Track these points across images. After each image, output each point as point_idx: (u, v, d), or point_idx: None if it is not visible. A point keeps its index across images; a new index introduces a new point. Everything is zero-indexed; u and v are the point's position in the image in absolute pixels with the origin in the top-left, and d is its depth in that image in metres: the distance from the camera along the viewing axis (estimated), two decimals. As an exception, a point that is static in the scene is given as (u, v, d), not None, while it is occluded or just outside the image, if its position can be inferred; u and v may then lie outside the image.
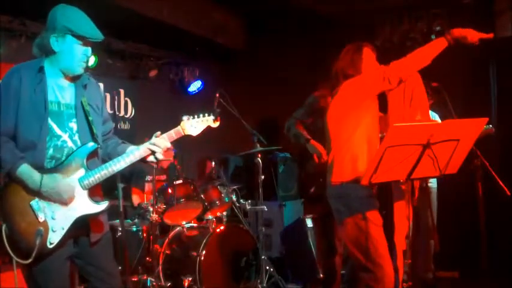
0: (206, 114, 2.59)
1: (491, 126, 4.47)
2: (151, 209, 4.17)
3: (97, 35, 2.41)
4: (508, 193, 3.39)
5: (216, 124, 2.63)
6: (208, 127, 2.60)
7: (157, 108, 5.81)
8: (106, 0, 4.21)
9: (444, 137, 2.58)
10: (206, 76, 6.13)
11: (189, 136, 2.56)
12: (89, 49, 2.44)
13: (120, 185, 3.10)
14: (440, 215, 4.29)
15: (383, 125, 3.16)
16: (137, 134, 5.42)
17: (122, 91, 5.40)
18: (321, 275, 4.49)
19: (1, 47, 4.09)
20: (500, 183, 3.40)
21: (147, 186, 4.81)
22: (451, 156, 2.68)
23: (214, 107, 4.22)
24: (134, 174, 4.93)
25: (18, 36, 4.29)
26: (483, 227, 3.51)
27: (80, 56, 2.41)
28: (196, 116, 2.57)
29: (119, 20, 4.32)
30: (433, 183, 4.41)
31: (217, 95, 4.30)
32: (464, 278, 4.86)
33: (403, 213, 3.06)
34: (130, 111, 5.50)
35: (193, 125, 2.55)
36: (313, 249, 4.63)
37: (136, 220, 4.50)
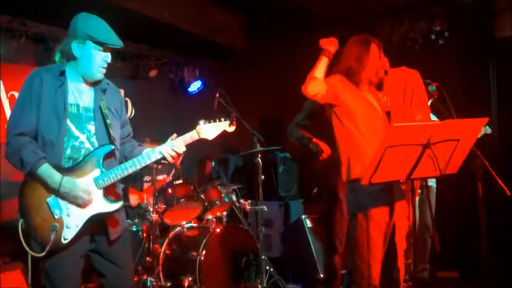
0: (222, 119, 2.64)
1: (487, 127, 4.49)
2: (151, 209, 4.16)
3: (116, 41, 2.49)
4: (508, 193, 3.38)
5: (232, 128, 2.68)
6: (224, 131, 2.65)
7: (157, 108, 5.80)
8: (106, 0, 4.21)
9: (444, 137, 2.58)
10: (206, 76, 6.12)
11: (205, 140, 2.61)
12: (109, 55, 2.51)
13: (120, 186, 3.10)
14: (440, 215, 4.28)
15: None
16: (137, 134, 5.41)
17: (122, 91, 5.40)
18: (321, 275, 4.50)
19: (1, 47, 4.09)
20: (500, 183, 3.39)
21: (146, 186, 4.81)
22: (451, 156, 2.68)
23: (214, 107, 4.23)
24: (131, 175, 4.91)
25: (18, 36, 4.27)
26: (483, 227, 3.50)
27: (100, 61, 2.48)
28: (212, 121, 2.62)
29: (118, 20, 4.31)
30: (432, 182, 4.42)
31: (217, 95, 4.31)
32: (464, 278, 4.86)
33: (403, 213, 3.07)
34: (131, 111, 5.49)
35: (209, 130, 2.61)
36: (313, 249, 4.64)
37: (136, 220, 4.50)
